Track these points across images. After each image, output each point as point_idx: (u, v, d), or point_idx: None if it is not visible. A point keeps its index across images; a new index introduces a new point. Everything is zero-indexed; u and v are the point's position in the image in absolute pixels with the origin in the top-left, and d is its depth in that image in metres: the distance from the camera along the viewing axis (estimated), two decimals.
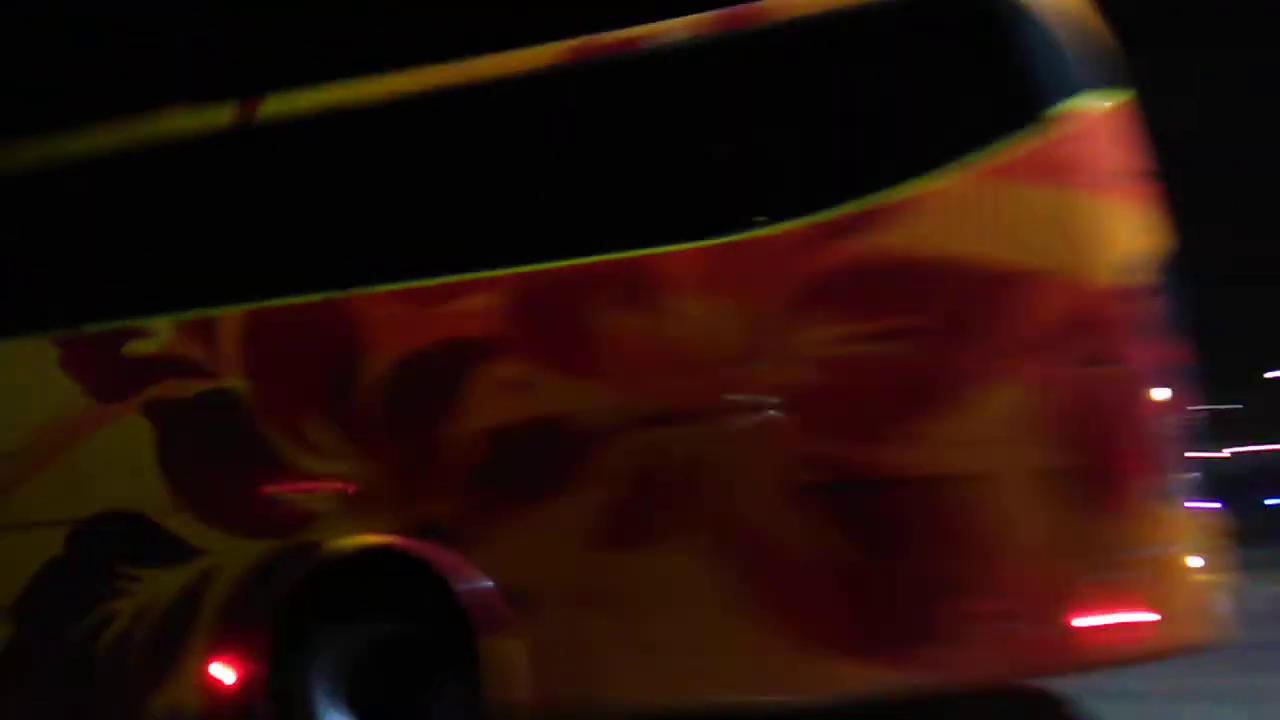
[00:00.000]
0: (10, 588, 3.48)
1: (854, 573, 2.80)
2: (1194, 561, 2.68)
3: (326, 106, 3.41)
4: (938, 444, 2.77)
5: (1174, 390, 2.74)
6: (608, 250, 3.11)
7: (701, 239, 3.04)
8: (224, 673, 3.27)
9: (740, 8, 3.17)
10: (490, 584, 3.05)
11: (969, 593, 2.70)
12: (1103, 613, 2.60)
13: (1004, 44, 2.93)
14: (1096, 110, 2.85)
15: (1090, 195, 2.78)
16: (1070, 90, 2.84)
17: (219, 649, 3.28)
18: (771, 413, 2.91)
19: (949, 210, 2.86)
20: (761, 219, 2.99)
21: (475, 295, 3.20)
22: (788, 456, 2.88)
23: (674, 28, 3.21)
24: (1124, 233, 2.78)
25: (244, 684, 3.23)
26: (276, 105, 3.50)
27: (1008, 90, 2.90)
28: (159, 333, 3.51)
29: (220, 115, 3.55)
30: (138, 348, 3.53)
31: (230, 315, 3.44)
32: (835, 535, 2.81)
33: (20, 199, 3.77)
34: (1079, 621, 2.61)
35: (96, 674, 3.39)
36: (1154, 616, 2.58)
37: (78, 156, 3.62)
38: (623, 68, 3.23)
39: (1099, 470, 2.66)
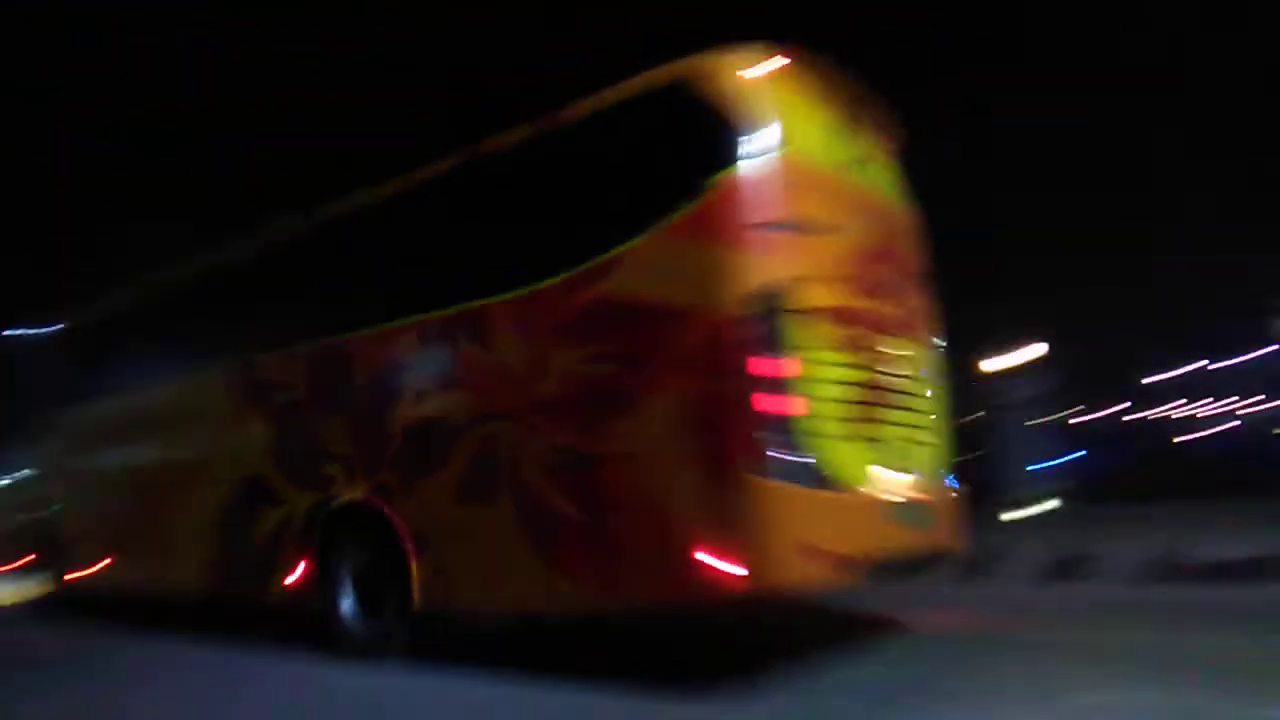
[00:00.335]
0: (205, 515, 5.95)
1: (576, 522, 4.02)
2: (790, 523, 3.52)
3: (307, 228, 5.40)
4: (622, 434, 3.89)
5: (779, 394, 3.57)
6: (463, 303, 4.62)
7: (506, 293, 4.41)
8: (297, 572, 5.36)
9: (524, 128, 4.49)
10: (410, 526, 4.73)
11: (636, 539, 3.82)
12: (717, 559, 3.57)
13: (678, 132, 3.91)
14: (736, 177, 3.71)
15: (725, 245, 3.68)
16: (726, 163, 3.74)
17: (295, 558, 5.37)
18: (542, 413, 4.22)
19: (640, 264, 3.93)
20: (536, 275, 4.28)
21: (399, 336, 4.90)
22: (548, 442, 4.17)
23: (491, 146, 4.64)
24: (749, 273, 3.64)
25: (306, 579, 5.29)
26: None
27: (682, 168, 3.87)
28: (266, 363, 5.72)
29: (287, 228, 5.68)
30: (256, 373, 5.77)
31: (295, 351, 5.53)
32: (569, 496, 4.06)
33: (195, 296, 6.29)
34: (702, 562, 3.60)
35: (244, 566, 5.71)
36: (747, 564, 3.49)
37: (206, 271, 6.02)
38: (462, 179, 4.74)
39: (715, 454, 3.61)
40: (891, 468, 4.14)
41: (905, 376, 4.36)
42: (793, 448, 3.57)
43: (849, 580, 3.72)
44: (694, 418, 3.68)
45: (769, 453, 3.53)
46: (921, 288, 4.82)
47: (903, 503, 4.12)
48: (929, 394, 4.63)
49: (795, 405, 3.61)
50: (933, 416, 4.62)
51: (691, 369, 3.72)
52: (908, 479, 4.22)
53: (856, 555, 3.74)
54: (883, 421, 4.15)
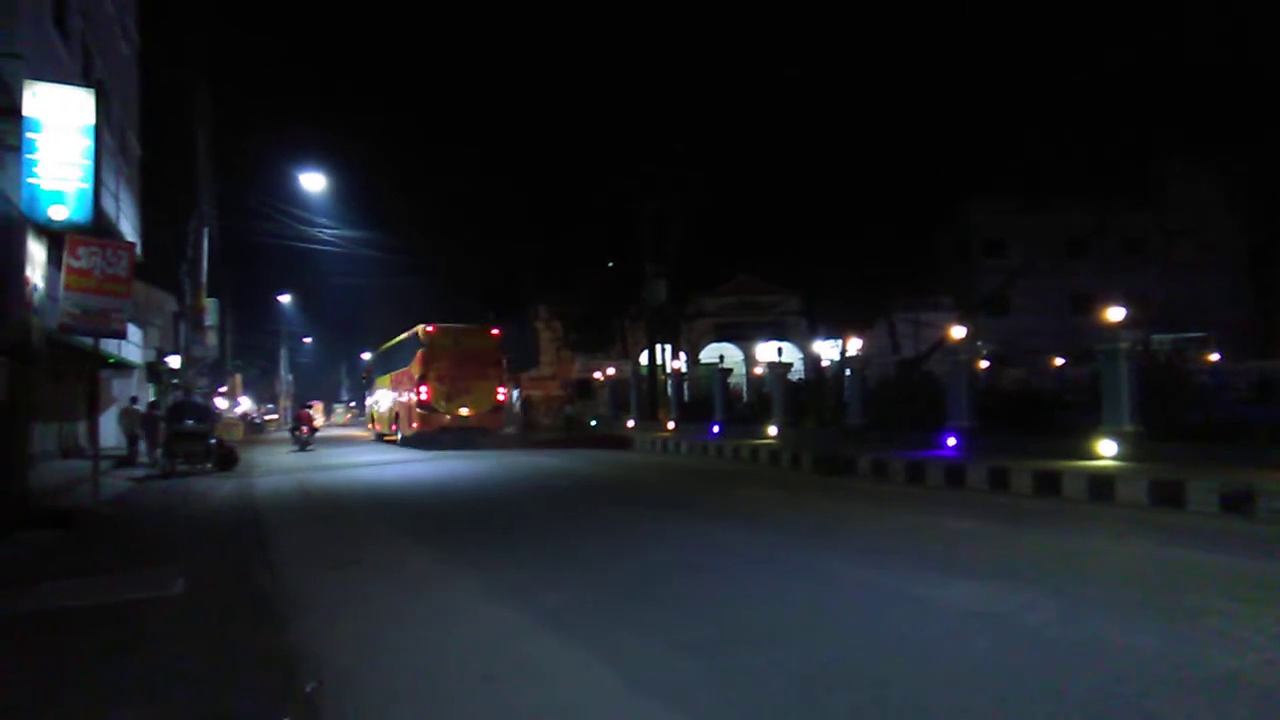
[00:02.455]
0: (390, 414, 23.17)
1: (403, 416, 20.04)
2: (426, 420, 19.13)
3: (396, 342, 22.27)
4: (406, 402, 19.83)
5: (427, 393, 19.13)
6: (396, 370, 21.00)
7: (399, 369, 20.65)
8: (398, 426, 22.16)
9: (402, 335, 20.57)
10: (401, 415, 21.21)
11: (409, 422, 19.70)
12: (414, 425, 19.38)
13: (412, 345, 19.63)
14: (419, 351, 19.33)
15: (416, 364, 19.38)
16: (420, 349, 19.45)
17: (396, 424, 22.16)
18: (403, 398, 20.29)
19: (408, 366, 19.80)
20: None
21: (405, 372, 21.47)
22: (404, 402, 20.24)
23: (403, 337, 20.84)
24: (420, 369, 19.28)
25: (396, 428, 22.06)
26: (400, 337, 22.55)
27: (411, 350, 19.59)
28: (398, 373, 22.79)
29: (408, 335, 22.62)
30: (393, 378, 22.78)
31: (394, 371, 22.45)
32: (405, 414, 20.10)
33: (392, 350, 23.61)
34: (413, 425, 19.49)
35: (393, 425, 22.72)
36: (417, 427, 19.25)
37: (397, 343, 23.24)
38: (392, 348, 21.10)
39: (414, 407, 19.34)
40: (464, 407, 19.38)
41: (479, 387, 19.49)
42: (428, 406, 19.11)
43: (445, 431, 19.20)
44: (411, 400, 19.47)
45: (420, 407, 19.16)
46: (498, 366, 19.86)
47: (463, 415, 19.36)
48: (491, 391, 19.72)
49: (428, 396, 19.13)
50: (490, 396, 19.71)
51: (411, 389, 19.50)
52: (468, 410, 19.41)
53: (445, 425, 19.16)
54: (462, 396, 19.38)
